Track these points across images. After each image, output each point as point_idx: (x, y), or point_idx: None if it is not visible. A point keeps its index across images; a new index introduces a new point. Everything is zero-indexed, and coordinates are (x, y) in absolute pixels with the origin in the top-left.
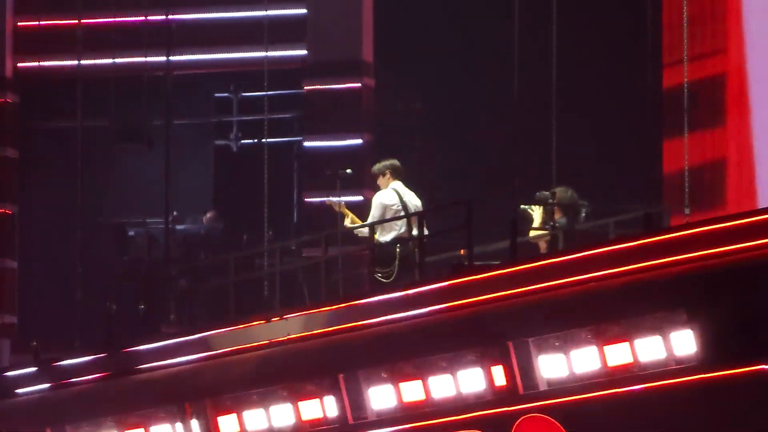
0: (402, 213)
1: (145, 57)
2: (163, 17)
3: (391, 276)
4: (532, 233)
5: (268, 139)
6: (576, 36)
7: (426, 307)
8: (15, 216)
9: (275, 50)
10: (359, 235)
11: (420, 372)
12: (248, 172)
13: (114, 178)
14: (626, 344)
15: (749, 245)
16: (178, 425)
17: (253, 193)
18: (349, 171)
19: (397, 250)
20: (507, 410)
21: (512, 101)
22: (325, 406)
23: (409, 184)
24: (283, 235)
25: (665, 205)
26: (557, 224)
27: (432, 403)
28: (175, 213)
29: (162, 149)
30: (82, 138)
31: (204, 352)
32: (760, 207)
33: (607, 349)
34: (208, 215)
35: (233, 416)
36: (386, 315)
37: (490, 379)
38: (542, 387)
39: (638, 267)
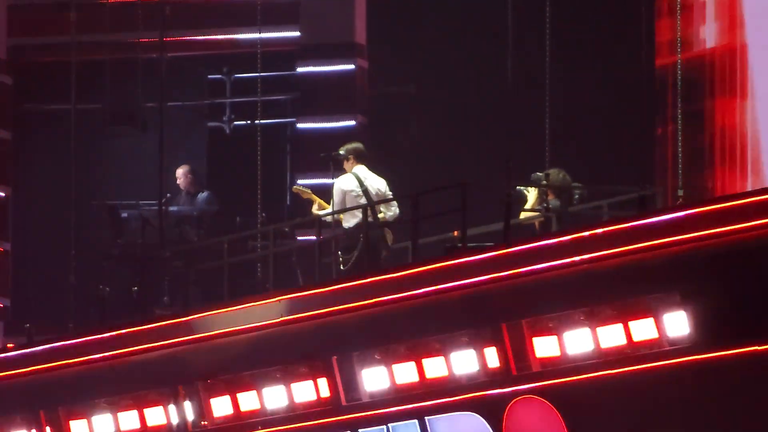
0: (363, 198)
1: (139, 39)
2: None
3: (348, 263)
4: (523, 215)
5: (262, 121)
6: (571, 18)
7: (419, 289)
8: (8, 198)
9: (269, 32)
10: (325, 220)
11: (413, 354)
12: (241, 154)
13: (107, 161)
14: (620, 326)
15: (743, 227)
16: (171, 407)
17: (246, 175)
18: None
19: (361, 237)
20: (500, 392)
21: (506, 83)
22: (318, 388)
23: (402, 166)
24: (276, 218)
25: (659, 187)
26: (550, 206)
27: (425, 384)
28: (168, 195)
29: (155, 131)
30: (76, 120)
31: (197, 334)
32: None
33: (601, 330)
34: (180, 171)
35: (226, 398)
36: (380, 297)
37: (483, 361)
38: (536, 368)
39: (632, 248)
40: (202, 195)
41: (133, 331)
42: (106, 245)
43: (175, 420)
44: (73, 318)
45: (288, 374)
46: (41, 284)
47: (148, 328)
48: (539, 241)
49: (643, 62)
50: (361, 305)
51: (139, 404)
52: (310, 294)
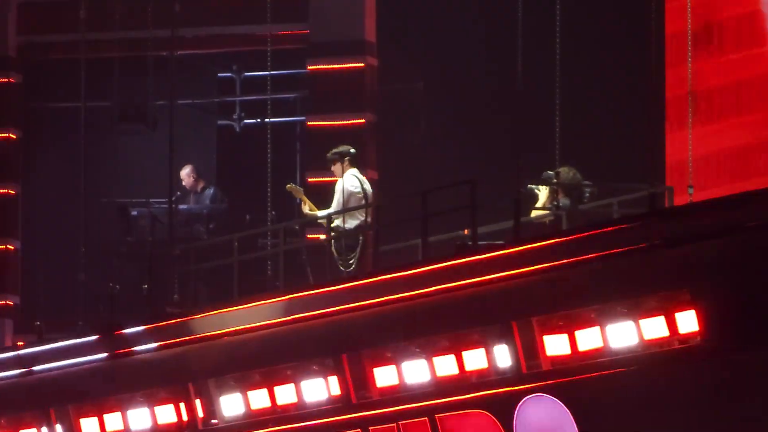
0: (363, 200)
1: (149, 37)
2: None
3: (349, 266)
4: (534, 213)
5: (271, 119)
6: (581, 15)
7: (430, 287)
8: (18, 196)
9: (278, 30)
10: (318, 221)
11: (423, 352)
12: (251, 152)
13: (117, 159)
14: (631, 323)
15: (752, 225)
16: (182, 405)
17: (255, 172)
18: (352, 150)
19: (360, 239)
20: (511, 390)
21: (515, 80)
22: (329, 386)
23: (411, 164)
24: (286, 215)
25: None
26: (560, 205)
27: (435, 383)
28: (178, 193)
29: (165, 129)
30: (85, 118)
31: (207, 332)
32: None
33: (611, 328)
34: (183, 172)
35: (238, 396)
36: (390, 295)
37: (493, 359)
38: (546, 367)
39: (641, 247)
40: (209, 191)
41: (143, 328)
42: (115, 243)
43: (185, 418)
44: (82, 316)
45: (298, 372)
46: (51, 282)
47: (158, 326)
48: (549, 240)
49: (654, 59)
50: (372, 303)
51: (150, 402)
52: (320, 292)
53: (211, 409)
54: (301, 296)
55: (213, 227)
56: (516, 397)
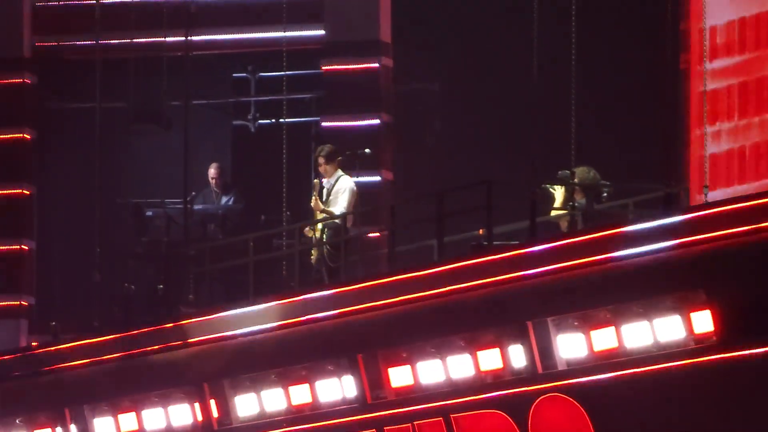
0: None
1: (165, 38)
2: None
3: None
4: (553, 213)
5: (286, 119)
6: (598, 14)
7: (445, 287)
8: (33, 196)
9: (293, 30)
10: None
11: (439, 352)
12: (266, 153)
13: (132, 159)
14: (646, 323)
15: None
16: (197, 405)
17: (270, 173)
18: (367, 151)
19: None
20: (526, 390)
21: (532, 80)
22: (344, 386)
23: (427, 164)
24: (301, 216)
25: (685, 185)
26: (577, 204)
27: (451, 383)
28: (193, 193)
29: (180, 130)
30: (101, 119)
31: (222, 332)
32: None
33: (626, 328)
34: (212, 170)
35: (252, 396)
36: (405, 295)
37: (509, 359)
38: (561, 367)
39: (657, 247)
40: (227, 198)
41: (158, 328)
42: (130, 243)
43: (200, 418)
44: (97, 316)
45: (313, 372)
46: (66, 282)
47: (173, 327)
48: (564, 240)
49: (670, 60)
50: (387, 303)
51: (164, 402)
52: (335, 292)
53: (225, 410)
54: (316, 296)
55: (228, 227)
56: (531, 398)
